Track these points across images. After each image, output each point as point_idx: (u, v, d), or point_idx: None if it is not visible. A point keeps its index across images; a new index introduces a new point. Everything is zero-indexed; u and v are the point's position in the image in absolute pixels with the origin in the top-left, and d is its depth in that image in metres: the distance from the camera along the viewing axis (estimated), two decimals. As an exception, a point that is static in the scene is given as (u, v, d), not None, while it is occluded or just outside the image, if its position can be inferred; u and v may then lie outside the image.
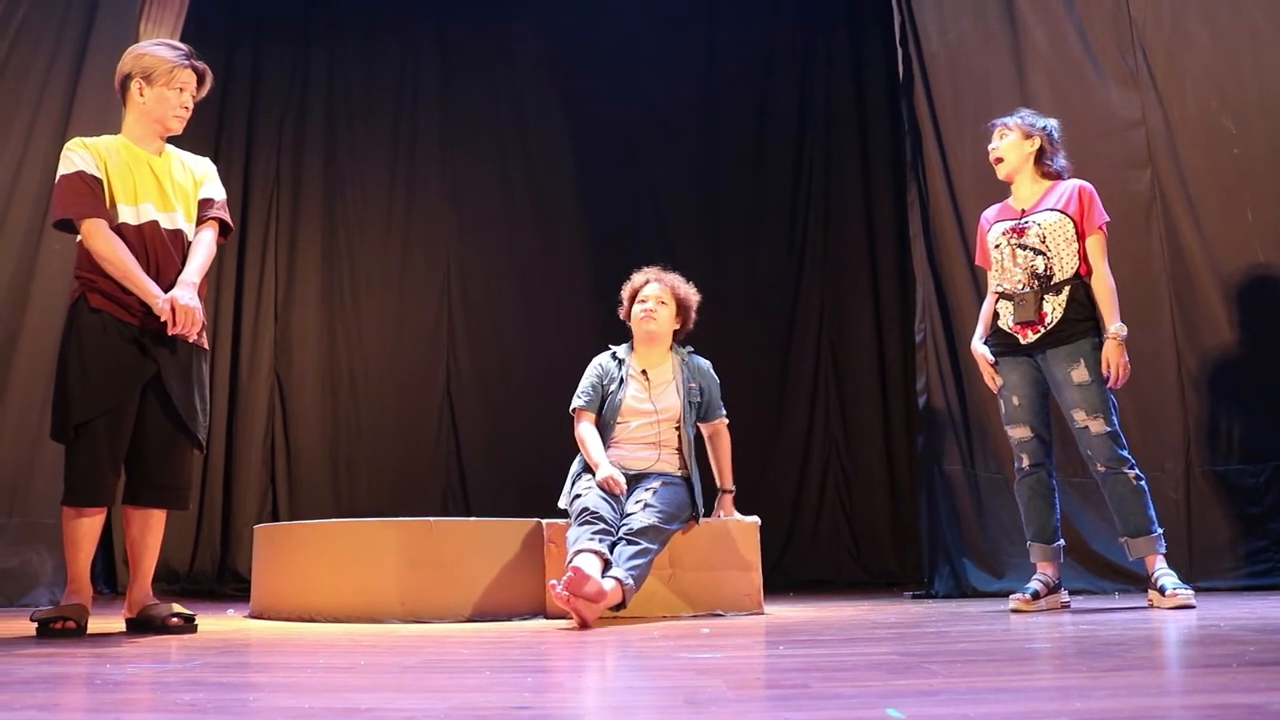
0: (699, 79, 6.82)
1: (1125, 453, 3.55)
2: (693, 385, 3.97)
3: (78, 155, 3.11)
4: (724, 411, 4.12)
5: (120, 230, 3.08)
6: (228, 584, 6.05)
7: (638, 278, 4.11)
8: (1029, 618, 3.28)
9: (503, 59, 6.84)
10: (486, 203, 6.75)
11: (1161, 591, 3.40)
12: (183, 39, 6.01)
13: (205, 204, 3.30)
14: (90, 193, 3.07)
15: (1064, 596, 3.71)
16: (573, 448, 3.96)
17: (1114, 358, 3.54)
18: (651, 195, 6.73)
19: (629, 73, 6.75)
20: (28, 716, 1.45)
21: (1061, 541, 3.73)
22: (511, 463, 6.25)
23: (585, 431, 3.90)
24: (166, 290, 3.09)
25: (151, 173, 3.21)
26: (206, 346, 3.35)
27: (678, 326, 4.06)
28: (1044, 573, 3.67)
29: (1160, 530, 3.53)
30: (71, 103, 4.93)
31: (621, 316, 4.10)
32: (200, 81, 3.36)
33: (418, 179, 6.77)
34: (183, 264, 3.19)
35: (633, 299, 4.07)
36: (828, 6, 6.81)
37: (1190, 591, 3.38)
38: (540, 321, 6.51)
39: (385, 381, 6.54)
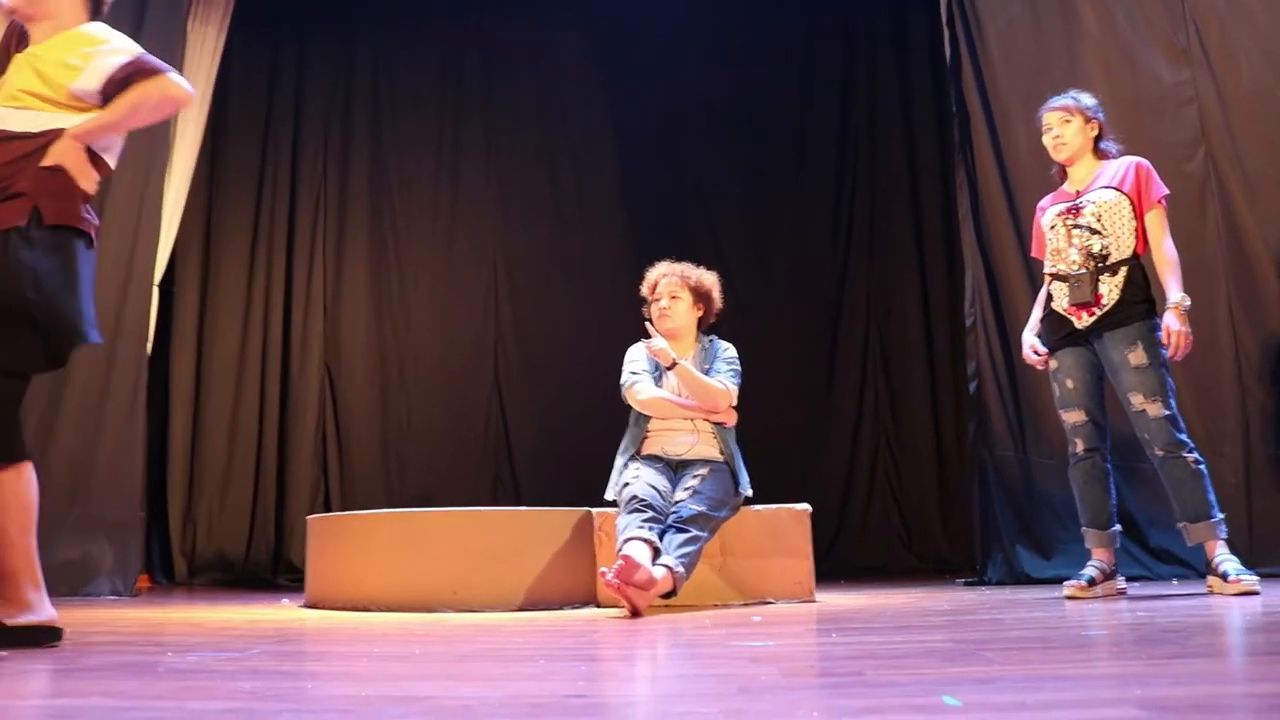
0: (741, 68, 6.79)
1: (1184, 436, 3.49)
2: (708, 370, 3.92)
3: None
4: (727, 384, 3.84)
5: None
6: (282, 574, 6.13)
7: (650, 274, 4.04)
8: (1085, 604, 3.24)
9: (545, 54, 6.86)
10: (532, 196, 6.78)
11: (1224, 577, 3.33)
12: (229, 40, 6.11)
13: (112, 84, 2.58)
14: None
15: (1120, 583, 3.65)
16: (620, 436, 3.95)
17: (1175, 326, 3.46)
18: (696, 186, 6.72)
19: (671, 64, 6.73)
20: (94, 703, 1.48)
21: (1117, 527, 3.67)
22: (560, 452, 6.27)
23: (648, 389, 3.85)
24: None
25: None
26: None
27: (700, 314, 3.99)
28: (1099, 559, 3.62)
29: (1221, 515, 3.46)
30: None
31: (645, 314, 4.05)
32: None
33: (463, 173, 6.80)
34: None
35: (650, 297, 4.02)
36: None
37: (1255, 577, 3.31)
38: (586, 313, 6.52)
39: (434, 373, 6.59)
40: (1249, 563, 3.68)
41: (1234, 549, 3.49)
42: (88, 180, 2.55)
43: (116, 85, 2.57)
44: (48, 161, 2.47)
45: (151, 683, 1.67)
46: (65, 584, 4.65)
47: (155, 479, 6.13)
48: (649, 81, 6.74)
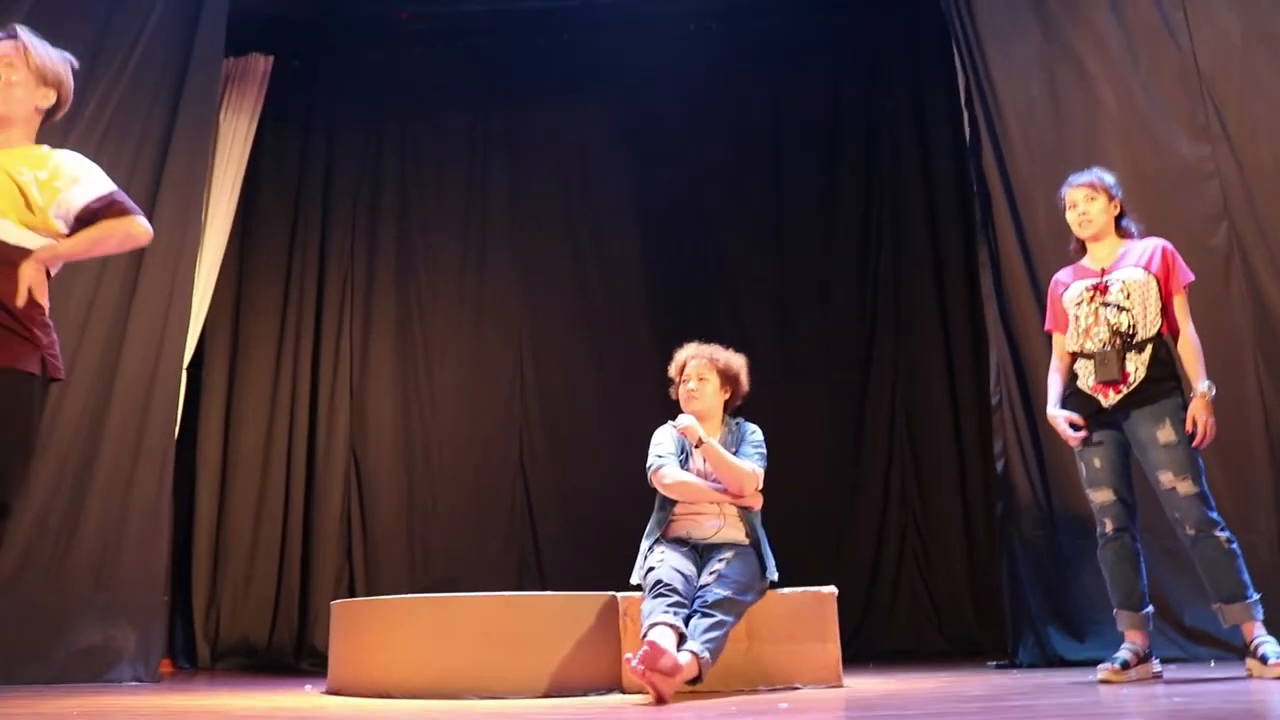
0: (764, 145, 6.87)
1: (1215, 514, 3.44)
2: (735, 452, 3.90)
3: None
4: (754, 467, 3.82)
5: None
6: (305, 659, 6.09)
7: (679, 356, 4.04)
8: (1119, 689, 3.17)
9: (568, 132, 6.97)
10: (557, 275, 6.84)
11: (1263, 660, 3.25)
12: (260, 125, 6.26)
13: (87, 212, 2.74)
14: None
15: (1155, 666, 3.57)
16: (646, 520, 3.93)
17: (1201, 416, 3.45)
18: (721, 263, 6.76)
19: (694, 141, 6.82)
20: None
21: (1150, 608, 3.59)
22: (585, 534, 6.23)
23: (675, 473, 3.83)
24: None
25: None
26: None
27: (727, 396, 3.99)
28: (1133, 641, 3.54)
29: (1257, 595, 3.39)
30: (156, 195, 5.10)
31: (672, 396, 4.05)
32: None
33: (489, 253, 6.88)
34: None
35: (677, 378, 4.02)
36: (890, 70, 6.83)
37: (1294, 660, 3.23)
38: (613, 394, 6.52)
39: (460, 455, 6.59)
40: (1288, 645, 3.60)
41: (1272, 629, 3.41)
42: (44, 300, 2.65)
43: (89, 215, 2.73)
44: (22, 288, 2.56)
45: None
46: (88, 670, 4.66)
47: (180, 562, 6.15)
48: (672, 159, 6.82)
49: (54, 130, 2.93)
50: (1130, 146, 4.76)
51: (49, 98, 2.82)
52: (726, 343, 4.13)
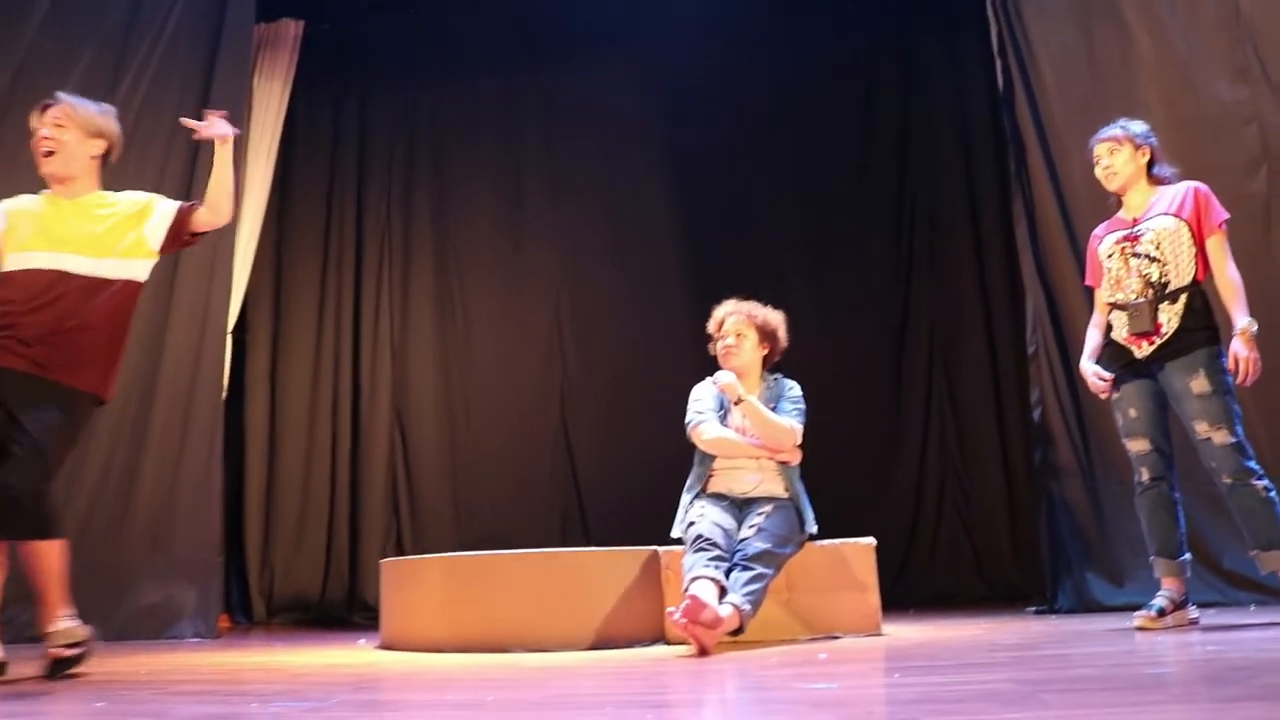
0: (798, 97, 6.83)
1: (1252, 463, 3.45)
2: (774, 408, 3.95)
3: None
4: (793, 423, 3.88)
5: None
6: (357, 612, 6.26)
7: (717, 312, 4.08)
8: (1154, 636, 3.21)
9: (602, 89, 6.96)
10: (593, 230, 6.87)
11: (1298, 606, 3.29)
12: (293, 90, 6.32)
13: (175, 222, 3.30)
14: None
15: (1192, 613, 3.60)
16: (685, 474, 4.00)
17: (1243, 353, 3.43)
18: (756, 217, 6.76)
19: (728, 95, 6.80)
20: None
21: (1187, 555, 3.62)
22: (626, 488, 6.31)
23: (713, 430, 3.90)
24: (36, 335, 3.07)
25: (59, 218, 3.20)
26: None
27: (765, 352, 4.03)
28: (1169, 588, 3.57)
29: (1293, 542, 3.41)
30: (194, 164, 5.18)
31: (711, 353, 4.10)
32: (42, 110, 3.28)
33: (525, 210, 6.92)
34: (81, 315, 3.14)
35: (716, 335, 4.06)
36: (924, 16, 6.75)
37: (1329, 606, 3.26)
38: (650, 348, 6.58)
39: (501, 413, 6.69)
40: (1325, 589, 3.62)
41: (1309, 574, 3.43)
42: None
43: (185, 213, 3.33)
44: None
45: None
46: (150, 627, 4.82)
47: (232, 521, 6.31)
48: (705, 113, 6.81)
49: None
50: (1167, 92, 4.69)
51: (99, 146, 3.29)
52: (763, 297, 4.16)
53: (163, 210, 3.31)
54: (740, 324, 3.99)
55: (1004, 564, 6.17)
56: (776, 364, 4.12)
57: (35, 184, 3.33)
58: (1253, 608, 4.18)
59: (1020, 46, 5.03)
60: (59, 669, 2.98)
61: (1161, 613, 3.49)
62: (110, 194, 3.32)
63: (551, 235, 6.87)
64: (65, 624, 3.03)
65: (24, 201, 3.27)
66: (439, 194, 6.95)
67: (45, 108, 3.26)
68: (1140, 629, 3.44)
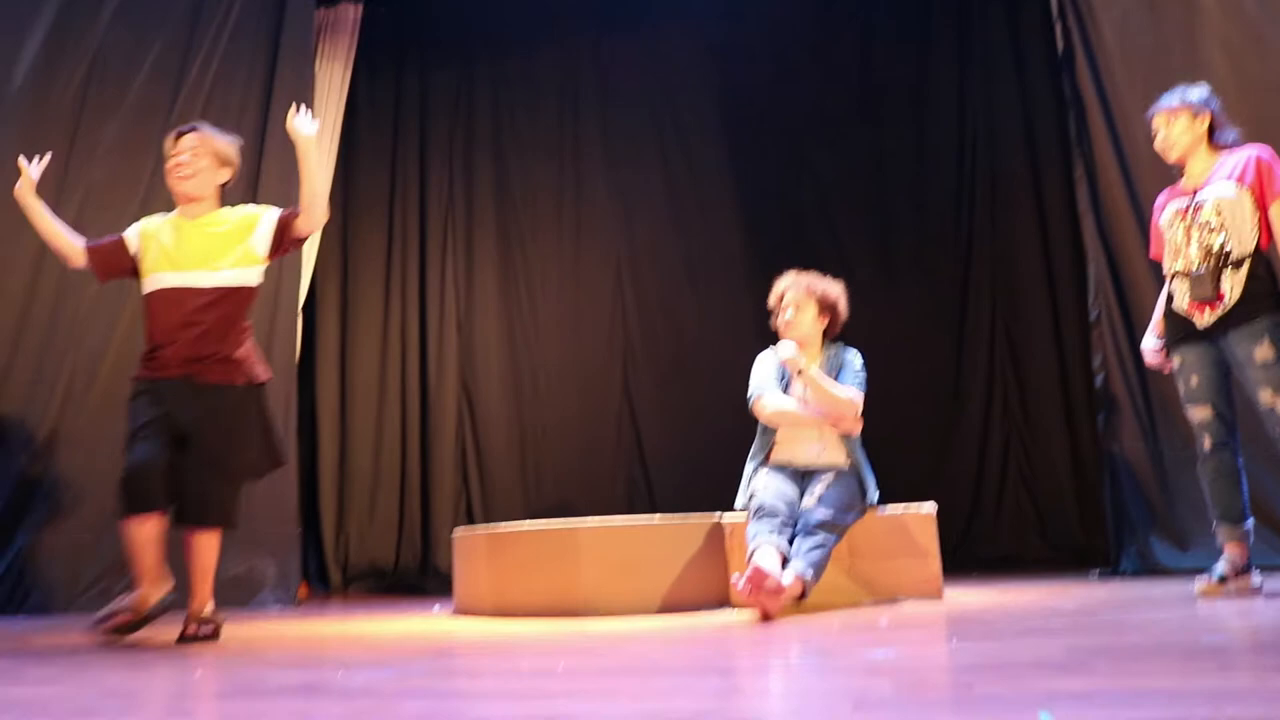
0: (853, 65, 6.83)
1: (1317, 432, 3.44)
2: (835, 378, 4.00)
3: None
4: (854, 393, 3.92)
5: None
6: (430, 579, 6.45)
7: (777, 285, 4.13)
8: (1214, 603, 3.23)
9: (659, 62, 7.00)
10: (652, 199, 6.95)
11: (1361, 570, 3.29)
12: (354, 72, 6.45)
13: (277, 230, 3.58)
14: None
15: (1255, 579, 3.58)
16: (748, 440, 4.08)
17: None
18: (814, 186, 6.78)
19: (784, 65, 6.82)
20: (283, 728, 1.69)
21: (1250, 522, 3.61)
22: (691, 455, 6.42)
23: (774, 403, 3.98)
24: (181, 350, 3.41)
25: (179, 240, 3.52)
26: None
27: (825, 324, 4.07)
28: (1232, 554, 3.56)
29: (1358, 508, 3.41)
30: (262, 149, 5.33)
31: (771, 326, 4.16)
32: (177, 137, 3.59)
33: (584, 181, 7.03)
34: (208, 323, 3.44)
35: (776, 307, 4.12)
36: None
37: (1392, 571, 3.25)
38: (712, 318, 6.67)
39: (566, 382, 6.83)
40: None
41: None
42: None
43: (286, 219, 3.59)
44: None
45: (330, 704, 1.88)
46: (235, 598, 5.02)
47: (308, 494, 6.52)
48: (762, 83, 6.84)
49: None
50: (1233, 52, 4.61)
51: (226, 175, 3.61)
52: (823, 263, 4.23)
53: (267, 220, 3.58)
54: (799, 296, 4.05)
55: (1068, 527, 6.19)
56: (838, 335, 4.17)
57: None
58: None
59: (1080, 7, 4.97)
60: (192, 640, 3.33)
61: (1223, 579, 3.50)
62: (225, 210, 3.62)
63: (612, 205, 6.96)
64: (208, 606, 3.46)
65: (153, 224, 3.61)
66: (500, 167, 7.07)
67: (180, 134, 3.57)
68: (1202, 594, 3.46)
